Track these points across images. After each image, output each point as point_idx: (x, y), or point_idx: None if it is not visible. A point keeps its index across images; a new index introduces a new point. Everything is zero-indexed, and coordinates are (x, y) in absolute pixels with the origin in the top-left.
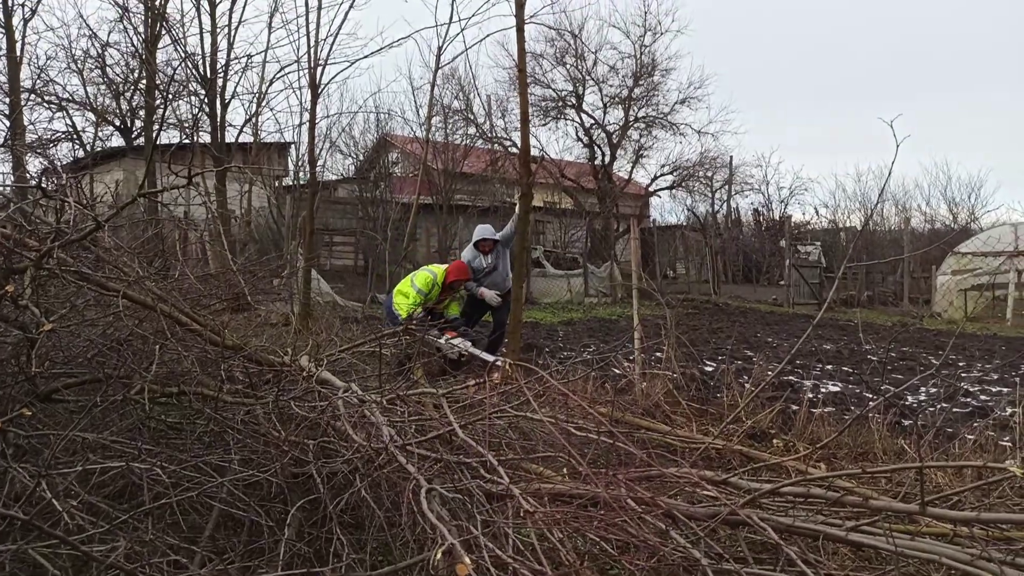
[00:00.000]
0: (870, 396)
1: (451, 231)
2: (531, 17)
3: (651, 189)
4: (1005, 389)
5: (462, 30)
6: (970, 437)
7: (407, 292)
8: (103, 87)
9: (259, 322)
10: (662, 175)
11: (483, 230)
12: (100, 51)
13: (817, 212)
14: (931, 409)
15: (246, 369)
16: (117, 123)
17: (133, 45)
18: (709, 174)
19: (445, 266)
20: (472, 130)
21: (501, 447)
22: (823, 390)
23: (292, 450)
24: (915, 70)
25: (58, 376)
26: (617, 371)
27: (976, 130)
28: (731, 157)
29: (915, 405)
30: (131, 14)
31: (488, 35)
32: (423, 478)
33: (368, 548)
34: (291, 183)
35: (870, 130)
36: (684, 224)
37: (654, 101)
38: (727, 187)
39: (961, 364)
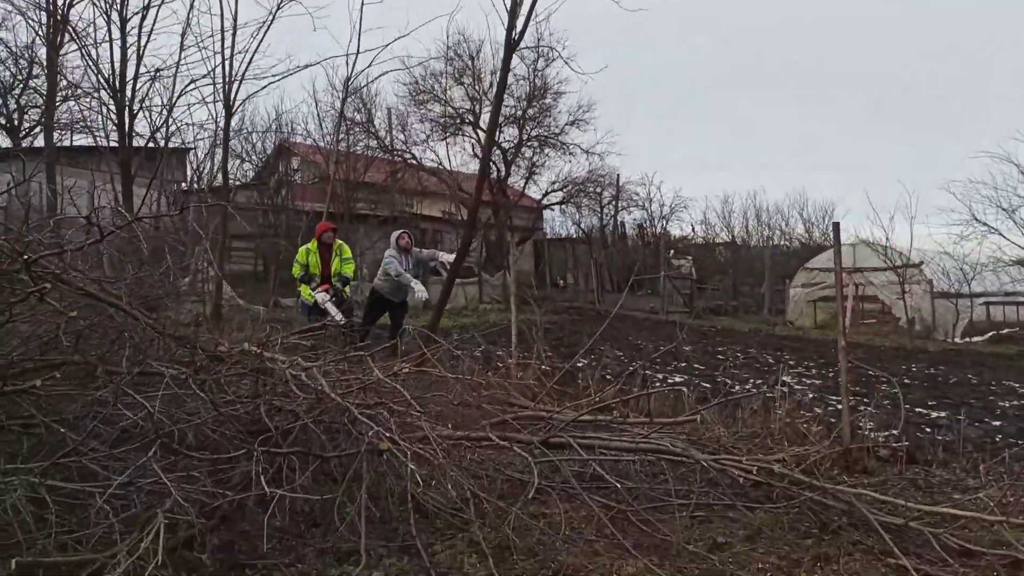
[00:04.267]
0: (706, 385)
1: (352, 239)
2: (518, 42)
3: (543, 203)
4: (818, 381)
5: (369, 64)
6: (753, 407)
7: (294, 264)
8: None
9: (172, 321)
10: (553, 191)
11: (401, 230)
12: None
13: (693, 229)
14: (740, 390)
15: (193, 355)
16: (2, 122)
17: (20, 46)
18: (597, 190)
19: None
20: (374, 142)
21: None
22: (668, 380)
23: (249, 407)
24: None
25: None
26: (500, 364)
27: (834, 155)
28: (618, 175)
29: (733, 389)
30: (28, 16)
31: (389, 71)
32: (354, 408)
33: (311, 466)
34: (190, 188)
35: (744, 150)
36: (574, 237)
37: (546, 122)
38: (614, 203)
39: (792, 363)
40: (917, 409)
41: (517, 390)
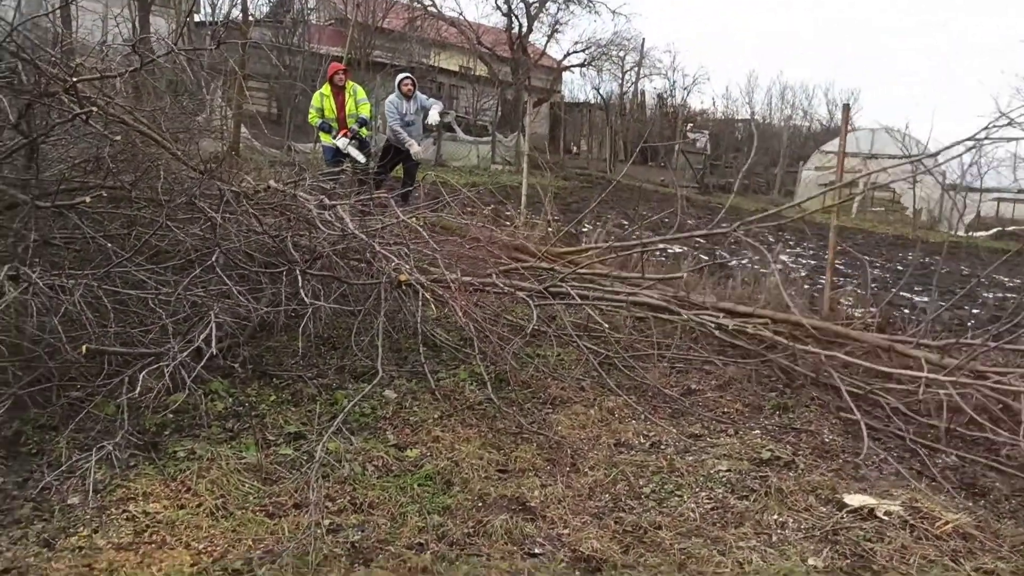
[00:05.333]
0: (704, 257)
1: (369, 87)
2: None
3: (564, 64)
4: (813, 262)
5: None
6: (745, 280)
7: (310, 110)
8: None
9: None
10: (575, 52)
11: (404, 74)
12: None
13: (714, 103)
14: (733, 262)
15: (220, 190)
16: None
17: None
18: (620, 55)
19: None
20: None
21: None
22: (668, 250)
23: (279, 234)
24: None
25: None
26: (508, 222)
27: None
28: (643, 40)
29: (729, 262)
30: None
31: None
32: (376, 244)
33: (334, 291)
34: (204, 20)
35: (776, 28)
36: (591, 102)
37: None
38: (636, 70)
39: (791, 243)
40: (902, 293)
41: (523, 242)
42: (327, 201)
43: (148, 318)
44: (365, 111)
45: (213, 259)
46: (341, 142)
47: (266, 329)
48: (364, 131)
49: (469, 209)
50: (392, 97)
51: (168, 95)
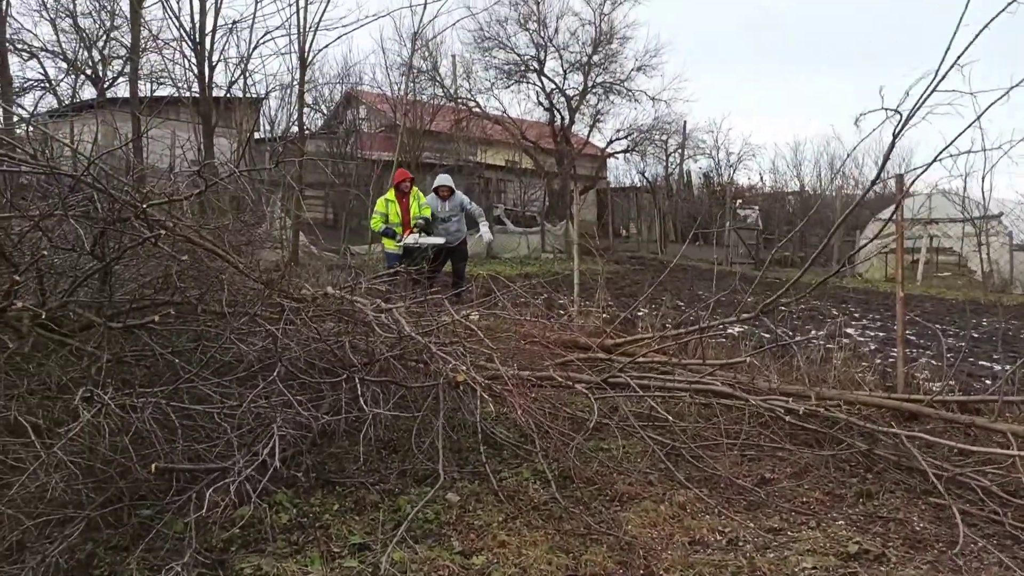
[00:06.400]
0: (765, 335)
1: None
2: None
3: (607, 151)
4: (882, 333)
5: (436, 16)
6: (811, 357)
7: (374, 215)
8: (73, 36)
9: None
10: (618, 138)
11: (442, 178)
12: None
13: (761, 178)
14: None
15: (280, 303)
16: (88, 73)
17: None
18: (663, 138)
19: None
20: (439, 90)
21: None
22: (729, 330)
23: (338, 340)
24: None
25: (137, 300)
26: (561, 311)
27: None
28: (684, 123)
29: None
30: None
31: (456, 22)
32: (432, 345)
33: (392, 394)
34: (264, 137)
35: (821, 93)
36: (638, 186)
37: (612, 68)
38: (680, 151)
39: (856, 315)
40: (980, 362)
41: (579, 334)
42: (383, 304)
43: (214, 432)
44: (427, 213)
45: (275, 372)
46: (410, 239)
47: (328, 436)
48: (420, 222)
49: (522, 300)
50: (429, 197)
51: (231, 211)
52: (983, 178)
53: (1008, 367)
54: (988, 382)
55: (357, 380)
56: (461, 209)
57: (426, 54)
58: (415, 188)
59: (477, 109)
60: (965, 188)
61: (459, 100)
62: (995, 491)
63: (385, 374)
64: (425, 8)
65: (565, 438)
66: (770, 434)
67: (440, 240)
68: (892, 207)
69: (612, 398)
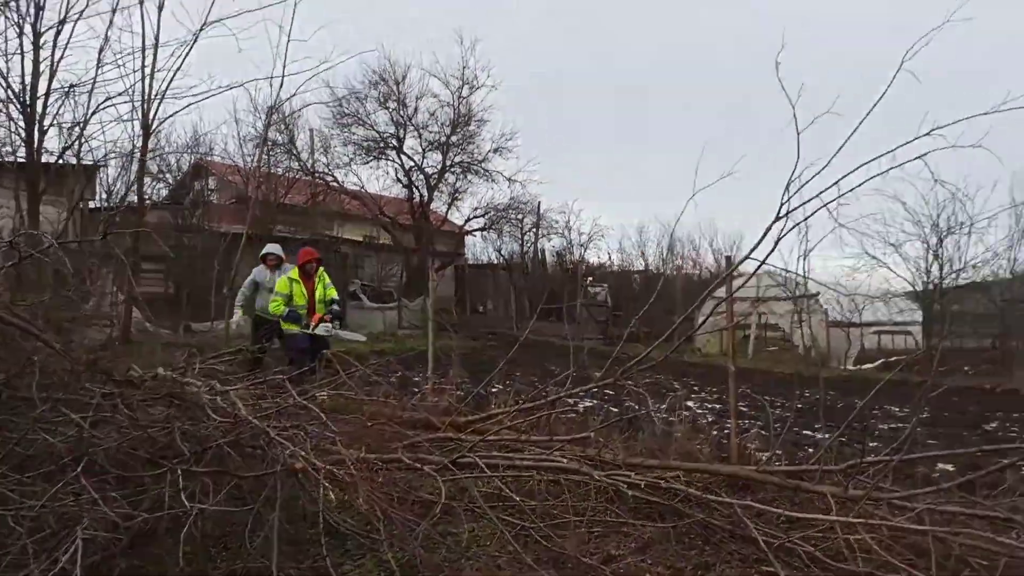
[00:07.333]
0: (613, 409)
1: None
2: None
3: (465, 229)
4: (719, 405)
5: (294, 94)
6: (655, 431)
7: (275, 297)
8: None
9: (81, 346)
10: (475, 217)
11: (271, 246)
12: None
13: (610, 257)
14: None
15: (104, 381)
16: None
17: None
18: (519, 217)
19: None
20: (295, 164)
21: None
22: (580, 405)
23: (167, 426)
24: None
25: None
26: (415, 389)
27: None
28: (539, 203)
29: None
30: None
31: (314, 103)
32: (271, 430)
33: (224, 488)
34: (98, 206)
35: (663, 179)
36: (495, 263)
37: (469, 148)
38: (535, 230)
39: (696, 388)
40: (804, 432)
41: (431, 414)
42: (219, 386)
43: (8, 537)
44: (334, 293)
45: (80, 465)
46: (323, 328)
47: (147, 535)
48: (336, 308)
49: (375, 379)
50: (256, 269)
51: (50, 286)
52: (799, 259)
53: (827, 435)
54: (811, 450)
55: (180, 472)
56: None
57: (282, 127)
58: (321, 269)
59: (335, 183)
60: (788, 270)
61: (316, 174)
62: (819, 556)
63: (219, 462)
64: (283, 82)
65: (412, 524)
66: (615, 509)
67: (361, 337)
68: (724, 287)
69: (461, 479)
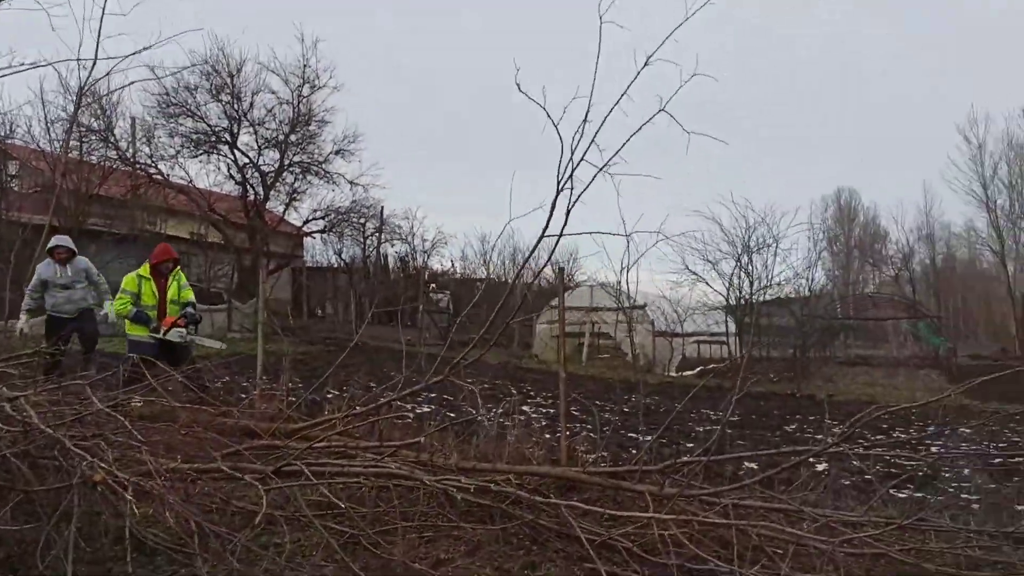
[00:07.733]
0: (451, 414)
1: (96, 258)
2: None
3: (304, 231)
4: (552, 410)
5: (109, 72)
6: (491, 435)
7: (121, 295)
8: None
9: None
10: (315, 218)
11: (59, 238)
12: None
13: (453, 264)
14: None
15: None
16: None
17: None
18: (361, 221)
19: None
20: (112, 153)
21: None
22: (417, 410)
23: None
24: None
25: None
26: (243, 395)
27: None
28: (382, 208)
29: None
30: None
31: (135, 81)
32: (67, 440)
33: (10, 502)
34: None
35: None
36: (336, 266)
37: (310, 149)
38: (377, 235)
39: (532, 393)
40: (630, 434)
41: (257, 421)
42: (7, 392)
43: None
44: (189, 295)
45: None
46: (176, 333)
47: None
48: (192, 312)
49: (201, 384)
50: (44, 263)
51: None
52: (623, 271)
53: (648, 438)
54: (634, 452)
55: None
56: (85, 277)
57: (98, 112)
58: (178, 269)
59: (159, 176)
60: (618, 281)
61: (137, 165)
62: (636, 552)
63: (5, 475)
64: (95, 64)
65: (229, 537)
66: (447, 513)
67: (221, 345)
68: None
69: (286, 488)
